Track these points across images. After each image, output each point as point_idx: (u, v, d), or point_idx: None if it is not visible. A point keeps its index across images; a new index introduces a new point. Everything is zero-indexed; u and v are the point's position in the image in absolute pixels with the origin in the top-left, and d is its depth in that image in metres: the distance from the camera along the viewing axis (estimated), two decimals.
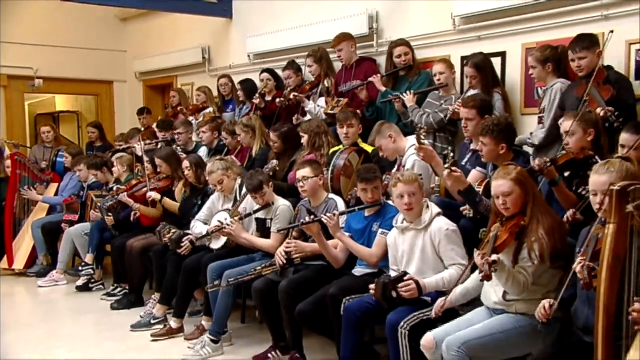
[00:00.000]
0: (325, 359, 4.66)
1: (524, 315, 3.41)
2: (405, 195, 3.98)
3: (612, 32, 4.32)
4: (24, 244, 7.86)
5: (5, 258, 7.80)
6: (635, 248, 2.47)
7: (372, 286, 3.96)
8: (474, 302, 3.79)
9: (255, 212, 5.20)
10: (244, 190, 5.30)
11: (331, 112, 5.88)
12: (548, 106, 4.67)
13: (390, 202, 4.46)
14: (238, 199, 5.49)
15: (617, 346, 2.35)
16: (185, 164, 6.17)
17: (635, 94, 4.41)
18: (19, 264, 7.74)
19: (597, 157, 3.78)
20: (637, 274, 2.47)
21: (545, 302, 3.17)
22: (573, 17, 4.92)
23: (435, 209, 4.05)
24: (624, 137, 3.85)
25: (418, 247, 4.01)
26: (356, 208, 4.61)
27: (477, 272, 3.41)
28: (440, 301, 3.73)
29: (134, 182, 6.71)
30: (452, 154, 4.32)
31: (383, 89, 5.75)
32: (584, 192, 3.51)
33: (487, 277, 3.25)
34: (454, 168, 4.02)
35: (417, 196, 3.98)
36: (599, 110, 4.13)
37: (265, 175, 5.14)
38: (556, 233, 3.39)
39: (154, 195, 6.24)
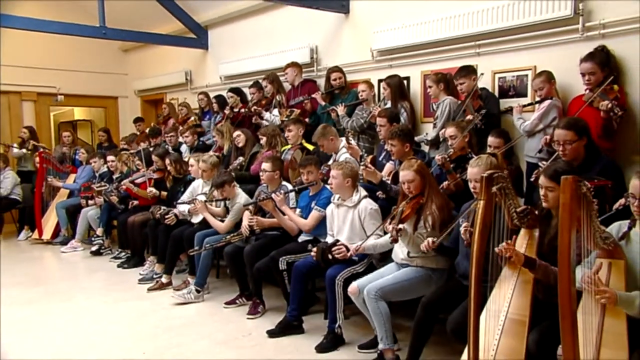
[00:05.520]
0: (278, 302, 4.67)
1: (422, 267, 3.50)
2: (331, 177, 4.08)
3: (482, 74, 4.54)
4: (50, 220, 7.72)
5: (36, 231, 7.72)
6: (498, 218, 2.56)
7: (313, 250, 4.02)
8: (387, 259, 3.85)
9: (218, 201, 5.21)
10: None
11: (286, 119, 5.86)
12: (440, 115, 4.73)
13: (326, 186, 4.50)
14: None
15: (484, 287, 2.42)
16: (167, 161, 6.11)
17: (501, 108, 4.50)
18: (47, 235, 7.62)
19: (472, 154, 3.90)
20: (499, 236, 2.56)
21: (429, 239, 3.25)
22: (456, 52, 4.99)
23: (363, 192, 4.09)
24: (490, 140, 3.98)
25: (348, 220, 4.05)
26: (296, 188, 4.73)
27: (388, 235, 3.50)
28: (355, 245, 3.80)
29: (135, 174, 6.62)
30: (365, 155, 4.44)
31: (323, 103, 5.80)
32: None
33: (395, 240, 3.34)
34: (368, 165, 4.16)
35: (336, 180, 4.04)
36: (470, 116, 4.25)
37: (229, 177, 5.08)
38: (444, 208, 3.49)
39: (154, 190, 6.13)
